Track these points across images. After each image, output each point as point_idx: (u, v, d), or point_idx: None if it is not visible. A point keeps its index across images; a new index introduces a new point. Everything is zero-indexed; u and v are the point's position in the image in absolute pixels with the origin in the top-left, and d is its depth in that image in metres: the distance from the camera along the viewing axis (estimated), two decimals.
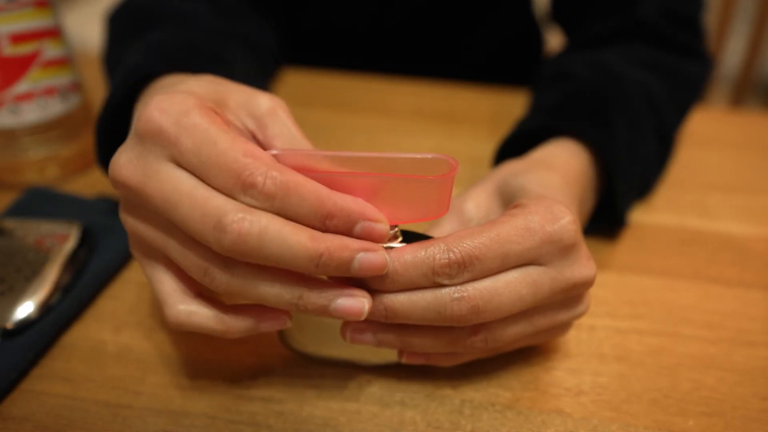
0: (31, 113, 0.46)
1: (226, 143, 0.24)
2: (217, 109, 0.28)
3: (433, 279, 0.27)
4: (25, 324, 0.35)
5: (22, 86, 0.45)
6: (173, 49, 0.39)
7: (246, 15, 0.56)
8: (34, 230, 0.40)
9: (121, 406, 0.31)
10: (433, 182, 0.26)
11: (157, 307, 0.38)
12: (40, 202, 0.45)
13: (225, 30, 0.47)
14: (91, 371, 0.33)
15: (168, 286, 0.28)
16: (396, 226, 0.28)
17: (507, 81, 0.70)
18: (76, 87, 0.49)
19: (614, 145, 0.40)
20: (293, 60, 0.69)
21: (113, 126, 0.37)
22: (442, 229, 0.34)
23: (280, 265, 0.24)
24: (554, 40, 0.73)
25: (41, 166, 0.49)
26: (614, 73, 0.46)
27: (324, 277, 0.27)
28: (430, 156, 0.27)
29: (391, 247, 0.27)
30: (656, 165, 0.47)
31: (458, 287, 0.27)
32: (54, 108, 0.47)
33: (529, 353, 0.35)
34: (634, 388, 0.33)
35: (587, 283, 0.30)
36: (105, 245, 0.41)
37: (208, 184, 0.25)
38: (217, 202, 0.24)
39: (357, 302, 0.26)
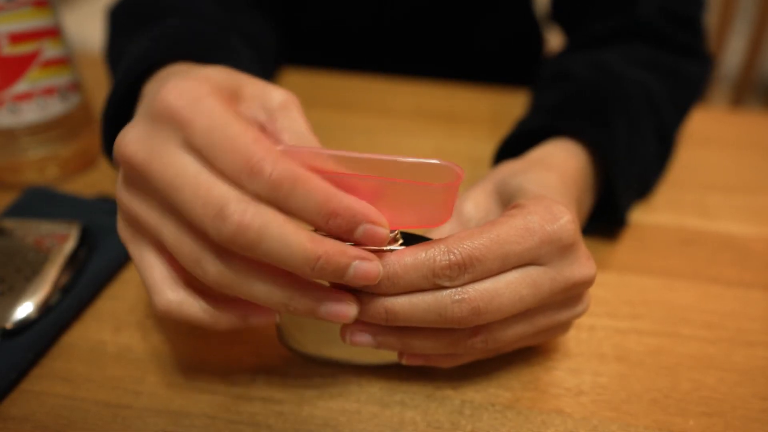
0: (31, 113, 0.46)
1: (238, 129, 0.24)
2: (230, 99, 0.28)
3: (433, 281, 0.26)
4: (25, 324, 0.35)
5: (21, 86, 0.45)
6: (180, 38, 0.38)
7: (247, 12, 0.56)
8: (33, 230, 0.40)
9: (121, 406, 0.31)
10: (438, 189, 0.26)
11: None
12: (39, 202, 0.45)
13: (229, 24, 0.47)
14: (90, 371, 0.33)
15: (158, 272, 0.27)
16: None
17: (507, 81, 0.70)
18: (76, 87, 0.49)
19: (614, 145, 0.40)
20: (293, 60, 0.69)
21: (118, 115, 0.37)
22: (441, 230, 0.34)
23: (276, 263, 0.24)
24: (554, 40, 0.73)
25: (41, 166, 0.49)
26: (614, 73, 0.46)
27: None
28: (436, 162, 0.27)
29: (391, 250, 0.27)
30: (656, 165, 0.47)
31: (459, 289, 0.27)
32: (53, 108, 0.47)
33: (529, 353, 0.35)
34: (634, 388, 0.33)
35: (587, 283, 0.30)
36: (105, 245, 0.41)
37: (215, 169, 0.24)
38: (221, 190, 0.24)
39: (345, 307, 0.26)
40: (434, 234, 0.34)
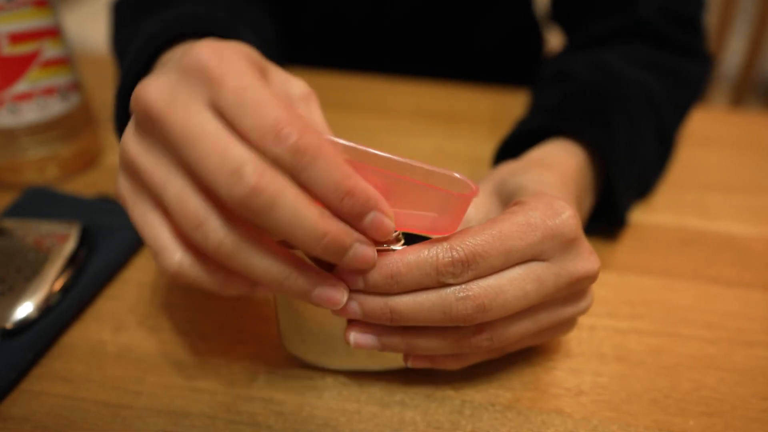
0: (31, 113, 0.46)
1: (269, 93, 0.24)
2: (259, 73, 0.27)
3: (437, 278, 0.26)
4: (25, 324, 0.35)
5: (21, 86, 0.45)
6: (193, 19, 0.38)
7: (251, 6, 0.56)
8: (33, 230, 0.40)
9: (121, 406, 0.31)
10: (453, 197, 0.26)
11: (157, 307, 0.38)
12: (39, 202, 0.45)
13: (238, 11, 0.47)
14: (90, 371, 0.33)
15: (164, 232, 0.26)
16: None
17: (507, 81, 0.70)
18: (76, 87, 0.49)
19: (614, 145, 0.40)
20: (293, 60, 0.69)
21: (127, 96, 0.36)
22: None
23: (282, 233, 0.23)
24: (554, 40, 0.73)
25: (41, 165, 0.49)
26: (614, 73, 0.46)
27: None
28: (454, 175, 0.26)
29: (393, 249, 0.27)
30: (656, 165, 0.47)
31: (463, 286, 0.27)
32: (53, 108, 0.47)
33: (529, 353, 0.35)
34: (634, 388, 0.33)
35: (591, 277, 0.29)
36: (105, 245, 0.41)
37: (238, 132, 0.23)
38: (240, 149, 0.23)
39: (338, 294, 0.26)
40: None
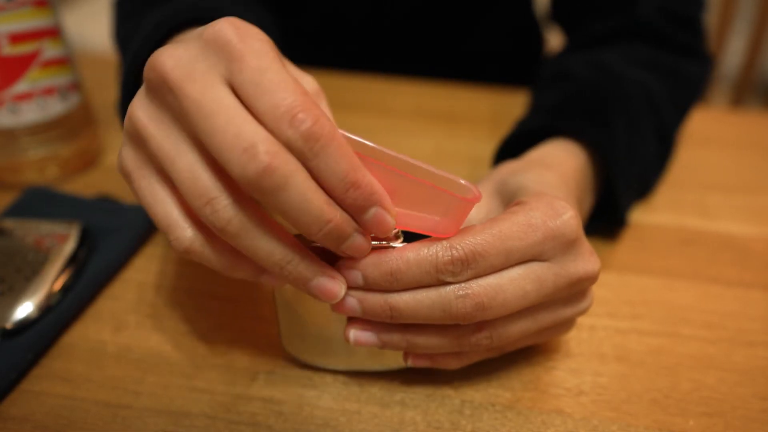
0: (31, 113, 0.46)
1: (289, 76, 0.24)
2: None
3: (436, 276, 0.27)
4: (25, 324, 0.35)
5: (21, 86, 0.45)
6: (199, 7, 0.37)
7: (255, 6, 0.56)
8: (33, 230, 0.40)
9: (120, 406, 0.31)
10: (456, 200, 0.26)
11: (157, 308, 0.38)
12: (39, 202, 0.45)
13: (240, 8, 0.46)
14: (90, 371, 0.33)
15: (174, 207, 0.26)
16: None
17: (507, 81, 0.70)
18: (76, 87, 0.49)
19: (614, 145, 0.40)
20: (292, 60, 0.68)
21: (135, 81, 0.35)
22: None
23: (288, 215, 0.23)
24: (554, 40, 0.73)
25: (41, 166, 0.49)
26: (614, 73, 0.46)
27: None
28: (459, 180, 0.26)
29: (393, 246, 0.27)
30: (656, 165, 0.47)
31: (462, 284, 0.27)
32: (53, 108, 0.47)
33: (529, 353, 0.35)
34: (634, 388, 0.33)
35: (591, 278, 0.30)
36: (105, 245, 0.41)
37: (253, 110, 0.23)
38: (256, 128, 0.23)
39: (337, 286, 0.26)
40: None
